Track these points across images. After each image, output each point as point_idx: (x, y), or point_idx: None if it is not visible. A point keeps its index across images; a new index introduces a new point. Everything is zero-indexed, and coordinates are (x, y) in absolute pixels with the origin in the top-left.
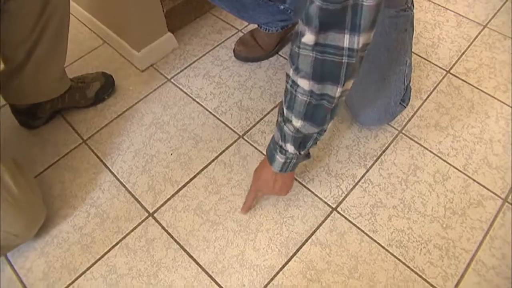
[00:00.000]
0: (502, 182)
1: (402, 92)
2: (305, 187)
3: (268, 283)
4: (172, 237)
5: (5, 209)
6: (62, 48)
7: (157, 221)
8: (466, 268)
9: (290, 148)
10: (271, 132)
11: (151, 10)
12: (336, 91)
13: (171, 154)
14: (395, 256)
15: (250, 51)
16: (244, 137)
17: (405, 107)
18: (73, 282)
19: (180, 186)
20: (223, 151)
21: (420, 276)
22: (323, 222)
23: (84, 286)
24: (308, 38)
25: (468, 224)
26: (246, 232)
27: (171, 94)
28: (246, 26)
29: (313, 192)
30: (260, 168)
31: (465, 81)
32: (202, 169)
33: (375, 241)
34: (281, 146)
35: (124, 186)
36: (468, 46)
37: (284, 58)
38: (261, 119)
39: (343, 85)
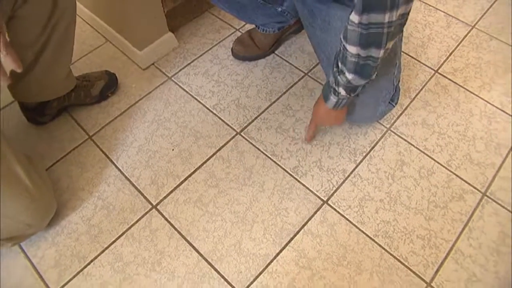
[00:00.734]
0: (483, 177)
1: (391, 92)
2: (298, 181)
3: (263, 270)
4: (174, 227)
5: (20, 202)
6: (69, 49)
7: (160, 213)
8: (445, 257)
9: (342, 91)
10: (267, 129)
11: (152, 11)
12: (379, 53)
13: (173, 149)
14: (381, 246)
15: (247, 51)
16: (241, 133)
17: (394, 106)
18: (82, 269)
19: (181, 180)
20: (222, 147)
21: (403, 264)
22: (314, 214)
23: (93, 273)
24: (353, 17)
25: (449, 216)
26: (243, 223)
27: (172, 92)
28: (244, 25)
29: (305, 186)
30: (317, 104)
31: (452, 81)
32: (202, 164)
33: (362, 231)
34: (334, 89)
35: (129, 180)
36: (456, 46)
37: (280, 57)
38: (257, 116)
39: (385, 48)
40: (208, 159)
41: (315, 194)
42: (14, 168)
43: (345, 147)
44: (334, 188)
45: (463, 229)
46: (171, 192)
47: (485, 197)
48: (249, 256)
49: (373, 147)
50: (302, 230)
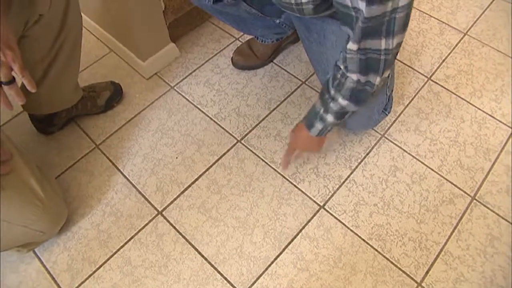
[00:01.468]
0: (472, 181)
1: (384, 102)
2: (296, 187)
3: (264, 272)
4: (179, 232)
5: (34, 212)
6: (76, 64)
7: (165, 219)
8: (435, 258)
9: (330, 118)
10: (266, 137)
11: (154, 23)
12: (376, 79)
13: (176, 157)
14: (374, 248)
15: (246, 60)
16: (242, 141)
17: (387, 115)
18: (93, 272)
19: (185, 187)
20: (223, 154)
21: (396, 266)
22: (311, 218)
23: (104, 276)
24: (351, 46)
25: (439, 220)
26: (244, 227)
27: (175, 101)
28: (243, 34)
29: (303, 192)
30: (297, 131)
31: (444, 87)
32: (205, 171)
33: (357, 235)
34: (321, 116)
35: (135, 187)
36: (449, 53)
37: (279, 66)
38: (257, 124)
39: (382, 75)
40: (210, 167)
41: (312, 200)
42: (29, 180)
43: (341, 154)
44: (330, 194)
45: (452, 231)
46: (176, 198)
47: (474, 201)
48: (250, 259)
49: (367, 154)
50: (300, 234)
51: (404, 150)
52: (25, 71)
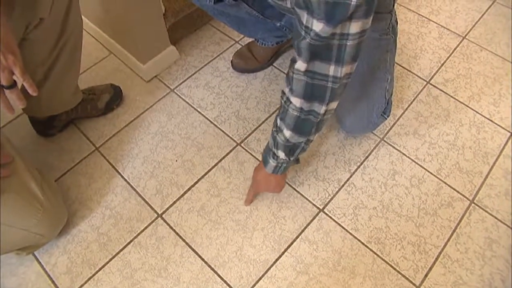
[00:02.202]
0: (471, 185)
1: (383, 105)
2: (295, 190)
3: (263, 275)
4: (179, 235)
5: (34, 215)
6: (76, 67)
7: (165, 221)
8: (434, 262)
9: (281, 154)
10: (265, 140)
11: (154, 26)
12: (321, 109)
13: (176, 160)
14: (373, 252)
15: (246, 63)
16: (241, 144)
17: (386, 119)
18: (93, 275)
19: (185, 190)
20: (223, 157)
21: (395, 269)
22: (311, 221)
23: (103, 279)
24: (300, 65)
25: (438, 223)
26: (243, 230)
27: (175, 104)
28: (243, 37)
29: (302, 195)
30: (257, 169)
31: (443, 91)
32: (204, 175)
33: (356, 238)
34: (273, 152)
35: (135, 190)
36: (448, 57)
37: (278, 69)
38: (257, 128)
39: (328, 104)
40: (210, 170)
41: (311, 203)
42: (29, 183)
43: (340, 157)
44: (330, 197)
45: (451, 235)
46: (176, 201)
47: (473, 204)
48: (249, 262)
49: (367, 157)
50: (300, 237)
51: (403, 154)
52: (26, 74)
